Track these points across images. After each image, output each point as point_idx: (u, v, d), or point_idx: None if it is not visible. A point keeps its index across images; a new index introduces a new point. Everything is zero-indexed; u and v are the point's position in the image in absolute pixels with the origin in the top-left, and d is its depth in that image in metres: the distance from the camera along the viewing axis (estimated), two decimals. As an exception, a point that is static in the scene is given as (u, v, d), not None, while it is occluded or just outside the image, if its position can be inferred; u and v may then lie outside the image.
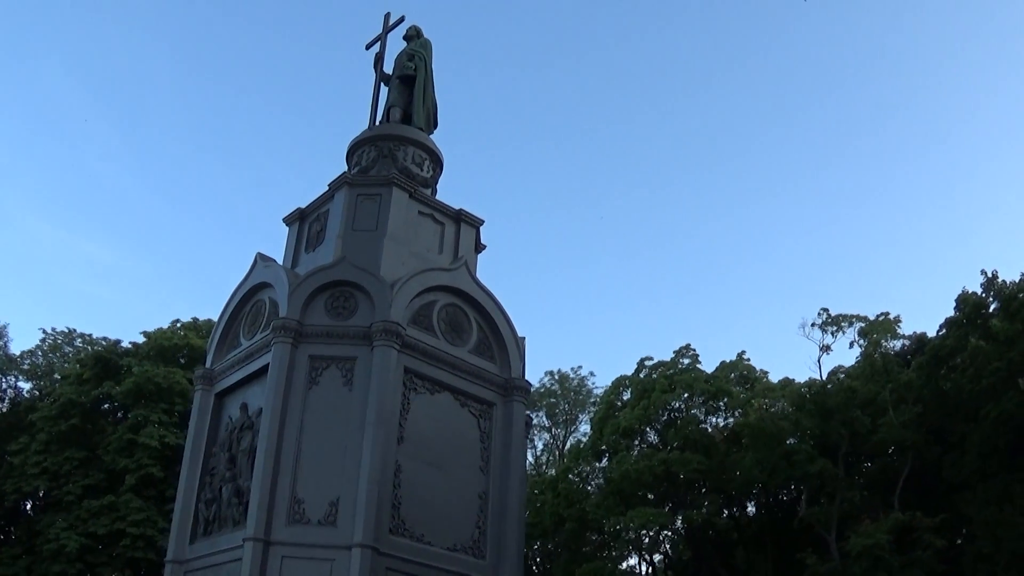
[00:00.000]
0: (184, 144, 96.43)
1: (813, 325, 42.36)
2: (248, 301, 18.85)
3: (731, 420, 45.27)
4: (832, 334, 42.07)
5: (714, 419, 46.03)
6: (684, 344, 45.97)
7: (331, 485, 15.57)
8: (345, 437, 15.94)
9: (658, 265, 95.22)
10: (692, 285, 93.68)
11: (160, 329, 43.02)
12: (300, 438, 16.02)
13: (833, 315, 42.05)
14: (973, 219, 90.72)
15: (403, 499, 15.93)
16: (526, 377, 18.73)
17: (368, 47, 23.19)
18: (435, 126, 22.02)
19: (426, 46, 22.39)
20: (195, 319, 44.45)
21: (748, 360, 46.81)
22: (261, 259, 18.96)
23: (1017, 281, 37.64)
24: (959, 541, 36.07)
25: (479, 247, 20.40)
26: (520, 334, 18.98)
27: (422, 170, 20.37)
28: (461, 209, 20.07)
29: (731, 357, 46.07)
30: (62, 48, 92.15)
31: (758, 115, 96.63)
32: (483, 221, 20.48)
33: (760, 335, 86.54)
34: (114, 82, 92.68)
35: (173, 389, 38.44)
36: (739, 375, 46.08)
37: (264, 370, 17.08)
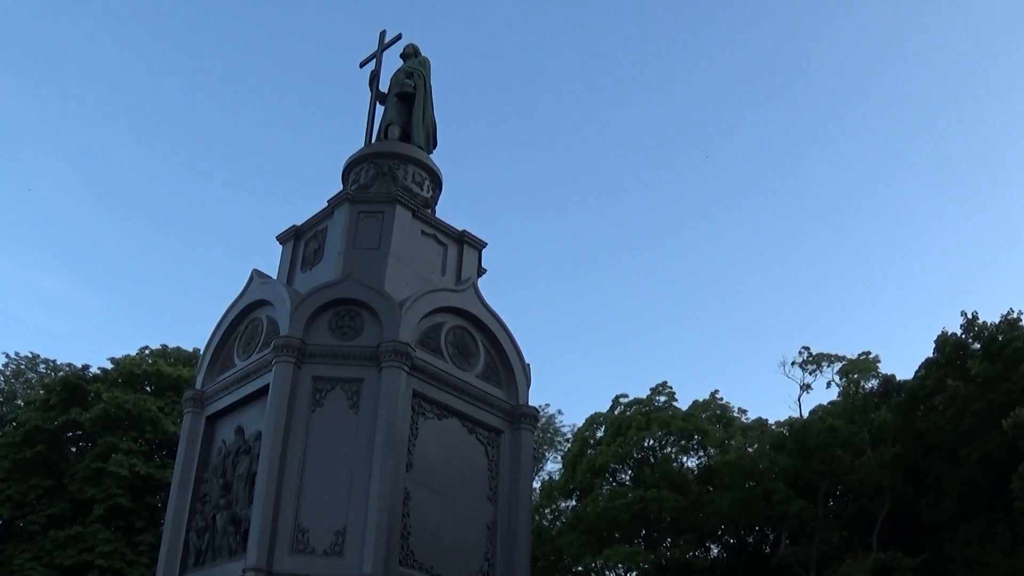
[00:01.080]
0: (141, 170, 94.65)
1: (794, 363, 41.88)
2: (242, 320, 17.78)
3: (704, 459, 44.64)
4: (812, 373, 41.56)
5: (685, 458, 45.34)
6: (661, 381, 45.38)
7: (337, 513, 14.49)
8: (351, 463, 14.88)
9: (632, 301, 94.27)
10: (667, 322, 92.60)
11: (128, 356, 41.58)
12: (303, 463, 14.94)
13: (814, 354, 41.53)
14: (954, 260, 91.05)
15: (412, 529, 14.89)
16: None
17: (362, 65, 22.29)
18: (434, 145, 21.13)
19: (424, 64, 21.57)
20: (164, 346, 43.15)
21: (721, 399, 46.33)
22: (258, 276, 17.94)
23: (997, 322, 37.45)
24: (939, 582, 35.40)
25: (480, 271, 19.51)
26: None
27: (422, 190, 19.47)
28: (464, 231, 19.17)
29: (718, 393, 45.39)
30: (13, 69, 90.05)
31: (747, 154, 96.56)
32: (486, 244, 19.57)
33: (739, 373, 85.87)
34: (66, 107, 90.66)
35: (144, 416, 37.03)
36: (712, 414, 45.52)
37: (262, 392, 16.01)
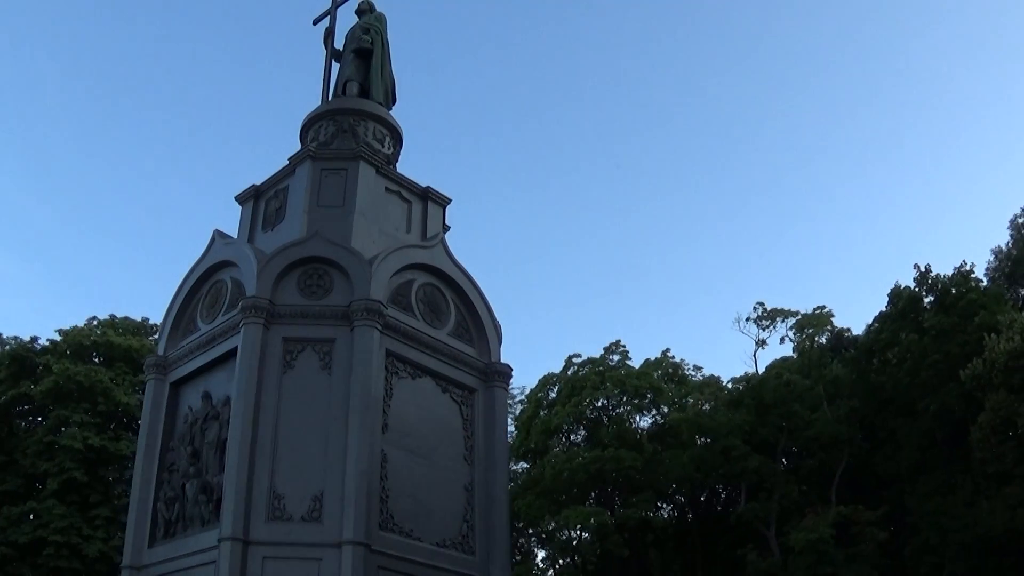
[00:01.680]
0: (78, 143, 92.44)
1: (748, 319, 41.74)
2: (205, 282, 17.08)
3: (658, 418, 44.46)
4: (766, 328, 41.44)
5: (639, 417, 45.08)
6: (614, 340, 44.97)
7: (313, 478, 13.93)
8: (326, 425, 14.31)
9: (585, 261, 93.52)
10: (619, 280, 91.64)
11: (76, 327, 40.38)
12: (276, 427, 14.33)
13: (768, 309, 41.40)
14: (907, 213, 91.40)
15: (390, 492, 14.39)
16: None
17: (316, 22, 21.54)
18: (394, 102, 20.48)
19: (381, 19, 20.85)
20: (113, 316, 41.93)
21: (673, 357, 46.13)
22: (220, 236, 17.24)
23: (950, 275, 37.50)
24: (900, 534, 35.55)
25: (444, 228, 18.93)
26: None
27: (383, 146, 18.84)
28: (428, 187, 18.57)
29: (670, 351, 45.10)
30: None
31: (696, 108, 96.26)
32: (450, 200, 19.02)
33: (693, 330, 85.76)
34: (4, 82, 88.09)
35: (95, 388, 35.92)
36: (664, 372, 45.30)
37: (229, 355, 15.40)
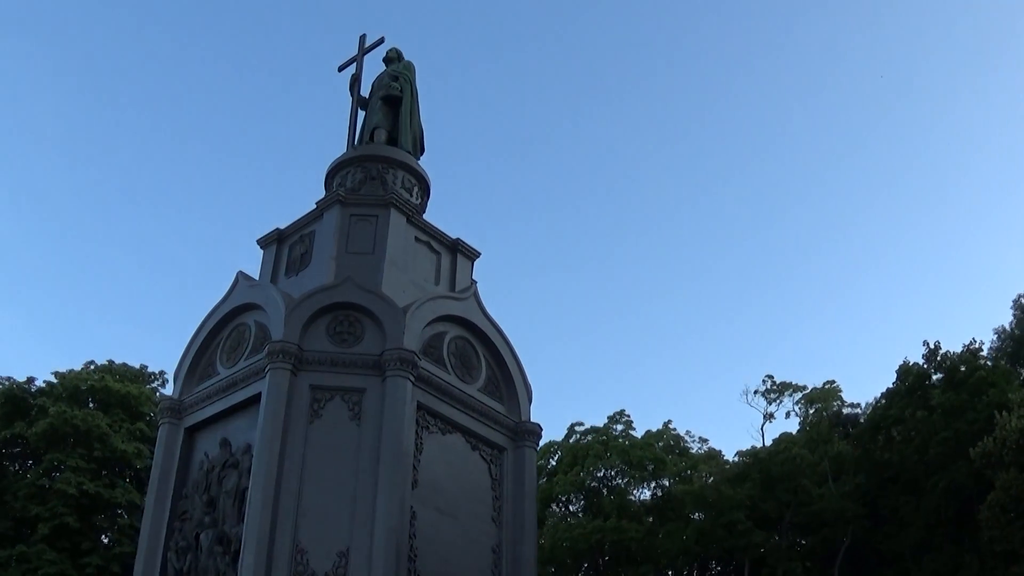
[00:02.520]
0: (76, 188, 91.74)
1: (756, 392, 40.96)
2: (226, 325, 16.30)
3: (659, 489, 43.57)
4: (775, 402, 40.66)
5: (641, 489, 44.20)
6: (618, 410, 44.20)
7: (339, 533, 13.06)
8: (354, 478, 13.48)
9: (591, 326, 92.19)
10: (626, 349, 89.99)
11: (73, 371, 39.40)
12: (301, 478, 13.49)
13: (777, 383, 40.68)
14: (915, 291, 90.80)
15: (419, 551, 13.52)
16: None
17: (341, 69, 20.98)
18: (422, 151, 19.86)
19: (410, 68, 20.31)
20: (111, 362, 40.98)
21: (674, 429, 45.33)
22: (243, 278, 16.52)
23: (960, 352, 37.01)
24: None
25: (472, 282, 18.23)
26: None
27: (412, 196, 18.21)
28: (459, 239, 17.91)
29: (671, 423, 44.26)
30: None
31: (707, 181, 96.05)
32: (480, 254, 18.36)
33: (699, 401, 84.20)
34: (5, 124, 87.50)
35: (92, 433, 34.83)
36: (666, 444, 44.51)
37: (251, 401, 14.59)
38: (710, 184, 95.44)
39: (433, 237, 17.60)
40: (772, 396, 40.62)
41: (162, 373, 42.01)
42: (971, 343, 36.99)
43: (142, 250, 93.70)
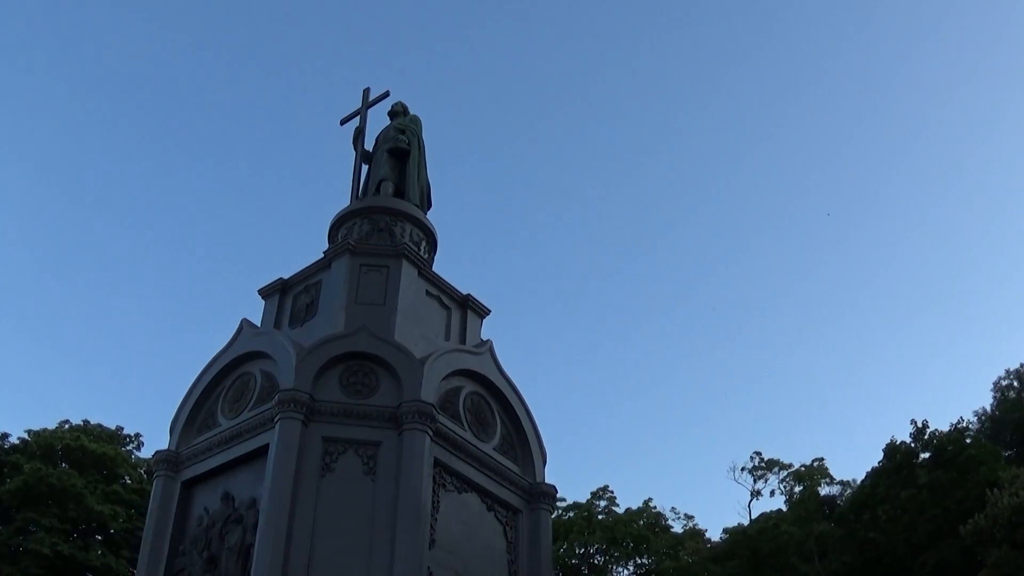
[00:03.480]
0: (62, 237, 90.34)
1: (743, 469, 40.01)
2: (227, 375, 15.35)
3: (640, 567, 42.42)
4: (762, 479, 39.75)
5: (622, 567, 42.99)
6: (602, 486, 43.11)
7: (353, 595, 12.05)
8: (368, 537, 12.54)
9: (576, 402, 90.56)
10: (611, 426, 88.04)
11: (47, 429, 37.96)
12: (313, 535, 12.51)
13: (765, 460, 39.77)
14: (904, 368, 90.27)
15: (436, 616, 12.51)
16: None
17: (343, 122, 20.35)
18: (429, 206, 19.15)
19: (416, 122, 19.70)
20: (86, 421, 39.57)
21: (655, 507, 44.32)
22: (248, 326, 15.64)
23: (947, 431, 36.52)
24: None
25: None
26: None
27: (420, 250, 17.42)
28: (469, 295, 17.13)
29: (651, 501, 43.21)
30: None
31: (696, 258, 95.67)
32: (490, 311, 17.56)
33: (683, 476, 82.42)
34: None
35: (68, 492, 33.36)
36: (647, 521, 43.48)
37: (256, 454, 13.67)
38: (701, 264, 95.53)
39: (443, 292, 16.83)
40: (759, 473, 39.67)
41: (138, 435, 40.72)
42: (959, 422, 36.46)
43: (120, 309, 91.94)
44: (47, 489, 33.23)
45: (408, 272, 16.07)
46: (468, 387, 14.96)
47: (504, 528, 14.51)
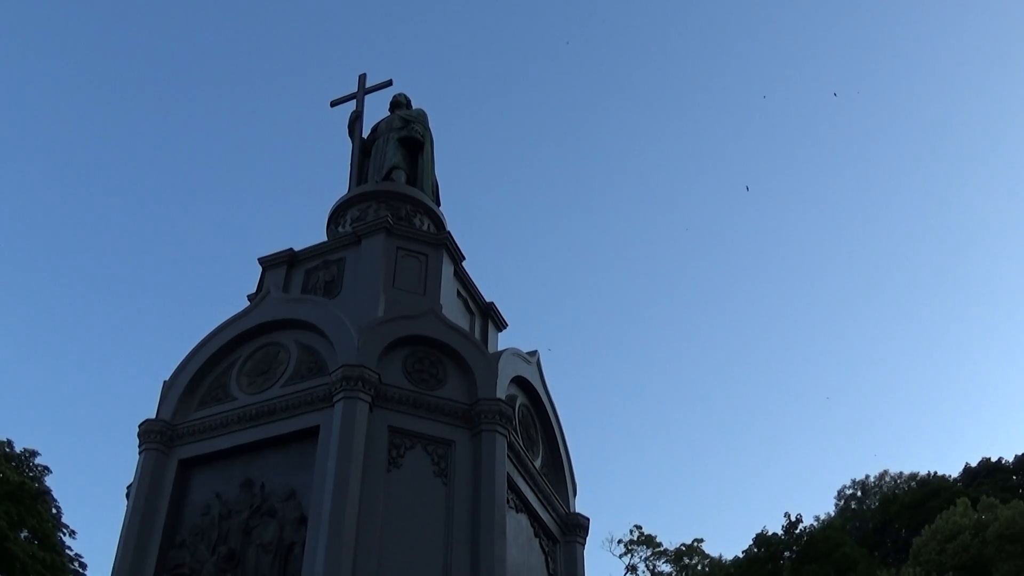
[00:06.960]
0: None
1: (620, 541, 38.41)
2: (245, 343, 12.84)
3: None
4: (639, 555, 38.19)
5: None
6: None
7: (431, 611, 9.85)
8: (444, 548, 10.43)
9: None
10: None
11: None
12: (382, 539, 10.24)
13: (644, 534, 38.23)
14: (775, 455, 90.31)
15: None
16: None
17: (334, 104, 18.24)
18: (438, 204, 17.19)
19: (424, 116, 17.78)
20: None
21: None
22: (275, 288, 13.29)
23: (817, 525, 36.26)
24: None
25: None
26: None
27: (442, 246, 15.41)
28: (492, 303, 15.21)
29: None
30: None
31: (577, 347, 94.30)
32: (507, 325, 15.65)
33: None
34: None
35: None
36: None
37: (294, 437, 11.35)
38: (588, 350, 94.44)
39: (471, 295, 14.90)
40: (635, 548, 38.01)
41: (35, 452, 35.31)
42: (827, 517, 36.17)
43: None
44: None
45: (448, 266, 14.12)
46: (521, 398, 12.99)
47: (546, 559, 12.52)
